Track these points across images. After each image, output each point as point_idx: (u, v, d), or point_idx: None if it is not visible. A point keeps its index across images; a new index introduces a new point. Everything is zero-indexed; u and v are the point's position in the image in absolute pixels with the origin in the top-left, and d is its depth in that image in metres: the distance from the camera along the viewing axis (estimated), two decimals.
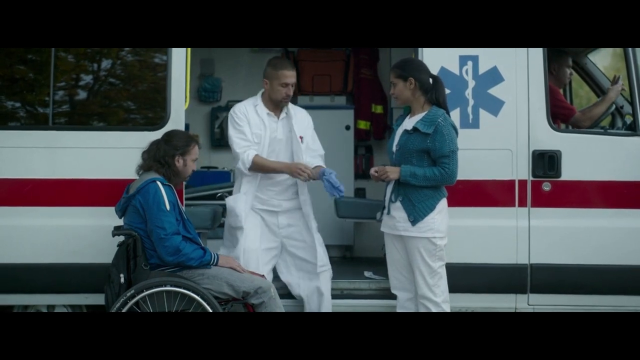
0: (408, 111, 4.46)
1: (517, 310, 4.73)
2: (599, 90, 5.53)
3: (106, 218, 4.44)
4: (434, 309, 4.27)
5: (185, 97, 4.71)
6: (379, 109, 6.90)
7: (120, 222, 4.34)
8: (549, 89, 4.77)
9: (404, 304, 4.47)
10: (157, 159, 4.28)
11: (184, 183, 4.60)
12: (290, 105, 4.79)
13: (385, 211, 4.39)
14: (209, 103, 7.13)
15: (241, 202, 4.65)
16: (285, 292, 4.71)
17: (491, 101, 4.70)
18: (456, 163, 4.22)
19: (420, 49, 4.71)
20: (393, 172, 4.28)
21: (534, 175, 4.69)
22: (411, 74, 4.31)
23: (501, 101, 4.70)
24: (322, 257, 4.70)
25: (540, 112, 4.70)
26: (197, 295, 4.11)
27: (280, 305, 4.33)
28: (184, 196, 4.69)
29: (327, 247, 4.84)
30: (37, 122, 4.85)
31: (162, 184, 4.20)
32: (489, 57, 4.70)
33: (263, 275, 4.46)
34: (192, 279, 4.18)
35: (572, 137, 4.77)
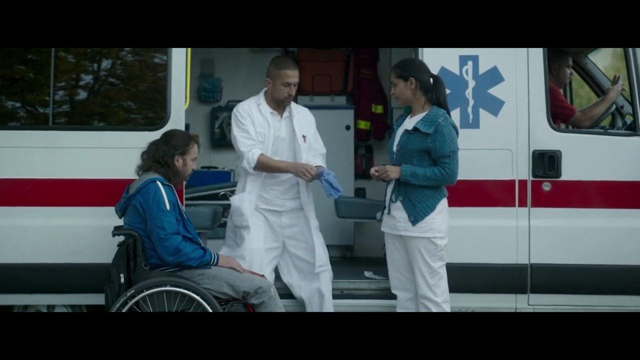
0: (408, 111, 4.46)
1: (517, 310, 4.73)
2: (599, 90, 5.52)
3: (106, 218, 4.44)
4: (434, 309, 4.27)
5: (186, 97, 4.71)
6: (379, 109, 6.90)
7: (120, 222, 4.34)
8: (549, 89, 4.77)
9: (404, 304, 4.47)
10: (157, 159, 4.28)
11: (184, 183, 4.60)
12: (293, 104, 4.79)
13: (386, 211, 4.39)
14: (209, 103, 7.13)
15: (246, 201, 4.65)
16: (286, 292, 4.70)
17: (491, 101, 4.70)
18: (457, 163, 4.22)
19: (420, 49, 4.71)
20: (393, 172, 4.27)
21: (534, 175, 4.69)
22: (412, 74, 4.31)
23: (501, 101, 4.70)
24: (322, 257, 4.69)
25: (541, 112, 4.70)
26: (197, 295, 4.11)
27: (280, 305, 4.33)
28: (184, 196, 4.69)
29: (328, 247, 4.84)
30: (37, 122, 4.85)
31: (162, 183, 4.20)
32: (489, 57, 4.70)
33: (263, 275, 4.46)
34: (192, 279, 4.18)
35: (572, 137, 4.77)
